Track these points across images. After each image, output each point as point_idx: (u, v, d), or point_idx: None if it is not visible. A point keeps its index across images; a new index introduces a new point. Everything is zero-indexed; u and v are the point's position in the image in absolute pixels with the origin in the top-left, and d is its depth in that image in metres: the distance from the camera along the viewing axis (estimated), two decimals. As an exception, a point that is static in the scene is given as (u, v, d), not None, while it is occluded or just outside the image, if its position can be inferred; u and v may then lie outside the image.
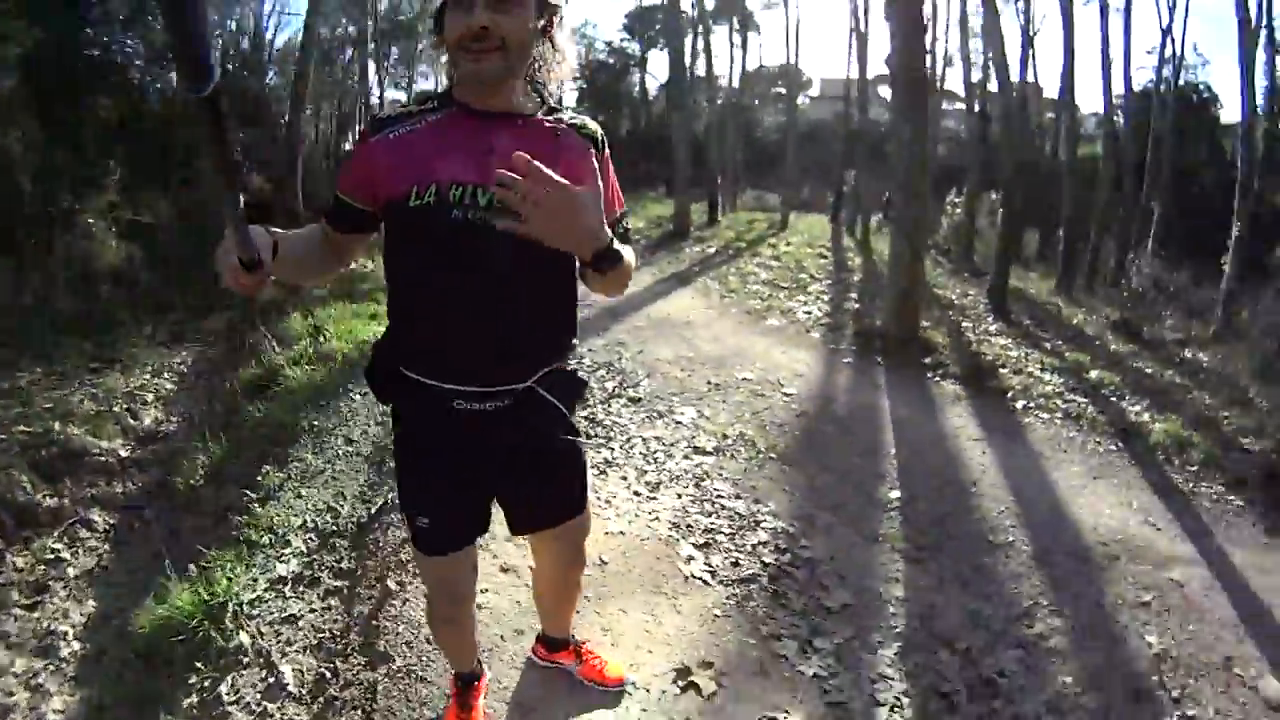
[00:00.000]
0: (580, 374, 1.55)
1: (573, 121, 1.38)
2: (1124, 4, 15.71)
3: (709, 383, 5.03)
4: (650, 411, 4.39)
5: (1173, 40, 17.87)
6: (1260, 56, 11.26)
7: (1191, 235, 15.49)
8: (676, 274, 9.74)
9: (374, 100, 22.08)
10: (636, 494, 3.35)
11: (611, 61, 32.75)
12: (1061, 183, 13.54)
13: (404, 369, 1.40)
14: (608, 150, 1.41)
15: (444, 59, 1.36)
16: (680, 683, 2.11)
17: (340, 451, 3.11)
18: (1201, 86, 23.07)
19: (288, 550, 2.52)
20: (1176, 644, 2.87)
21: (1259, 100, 11.33)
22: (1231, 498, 4.35)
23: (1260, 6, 11.31)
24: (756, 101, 33.54)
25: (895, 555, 3.21)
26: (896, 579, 3.04)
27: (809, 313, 7.74)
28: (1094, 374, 6.28)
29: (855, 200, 17.86)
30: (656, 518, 3.11)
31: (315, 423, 3.27)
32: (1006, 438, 4.78)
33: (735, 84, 25.39)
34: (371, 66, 22.73)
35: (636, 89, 33.14)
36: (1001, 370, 6.12)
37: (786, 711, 2.10)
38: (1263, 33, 11.24)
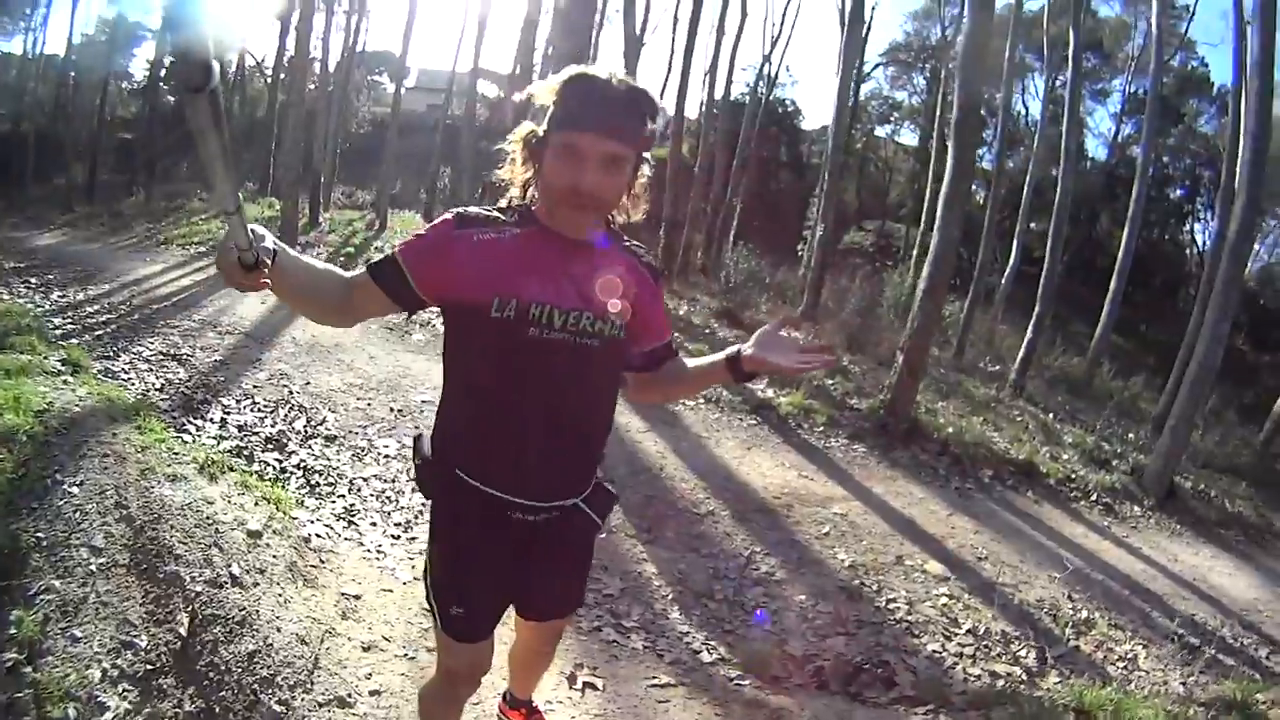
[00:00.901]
0: (610, 488, 1.63)
1: (636, 251, 1.52)
2: (736, 30, 18.29)
3: (391, 409, 5.06)
4: (353, 449, 4.32)
5: (770, 63, 21.84)
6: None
7: (768, 228, 19.21)
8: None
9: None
10: (395, 537, 3.41)
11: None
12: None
13: (460, 471, 1.44)
14: (661, 281, 1.57)
15: (522, 176, 1.43)
16: (575, 686, 2.43)
17: (93, 567, 2.48)
18: (788, 101, 28.68)
19: (108, 715, 2.02)
20: (860, 555, 4.02)
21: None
22: (856, 446, 5.94)
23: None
24: (364, 92, 31.73)
25: (632, 540, 3.83)
26: (645, 558, 3.67)
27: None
28: None
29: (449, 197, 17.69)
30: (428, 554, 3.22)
31: (40, 535, 2.62)
32: (667, 426, 5.61)
33: (332, 71, 23.24)
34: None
35: (233, 68, 29.01)
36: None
37: (656, 676, 2.58)
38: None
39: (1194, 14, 21.49)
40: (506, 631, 1.96)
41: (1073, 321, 16.39)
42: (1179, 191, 24.63)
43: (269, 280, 1.20)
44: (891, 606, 3.57)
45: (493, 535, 1.48)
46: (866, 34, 20.78)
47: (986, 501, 5.49)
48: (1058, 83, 19.00)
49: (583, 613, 3.03)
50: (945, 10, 23.50)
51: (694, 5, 14.57)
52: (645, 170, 1.43)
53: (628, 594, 3.29)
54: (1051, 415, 8.94)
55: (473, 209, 1.41)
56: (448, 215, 1.40)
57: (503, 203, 1.46)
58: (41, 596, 2.34)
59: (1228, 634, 4.22)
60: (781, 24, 31.42)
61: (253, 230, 1.15)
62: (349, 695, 2.13)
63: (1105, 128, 26.75)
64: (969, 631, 3.46)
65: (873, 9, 20.47)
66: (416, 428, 4.73)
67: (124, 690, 2.10)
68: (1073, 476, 6.46)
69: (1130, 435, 8.86)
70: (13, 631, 2.17)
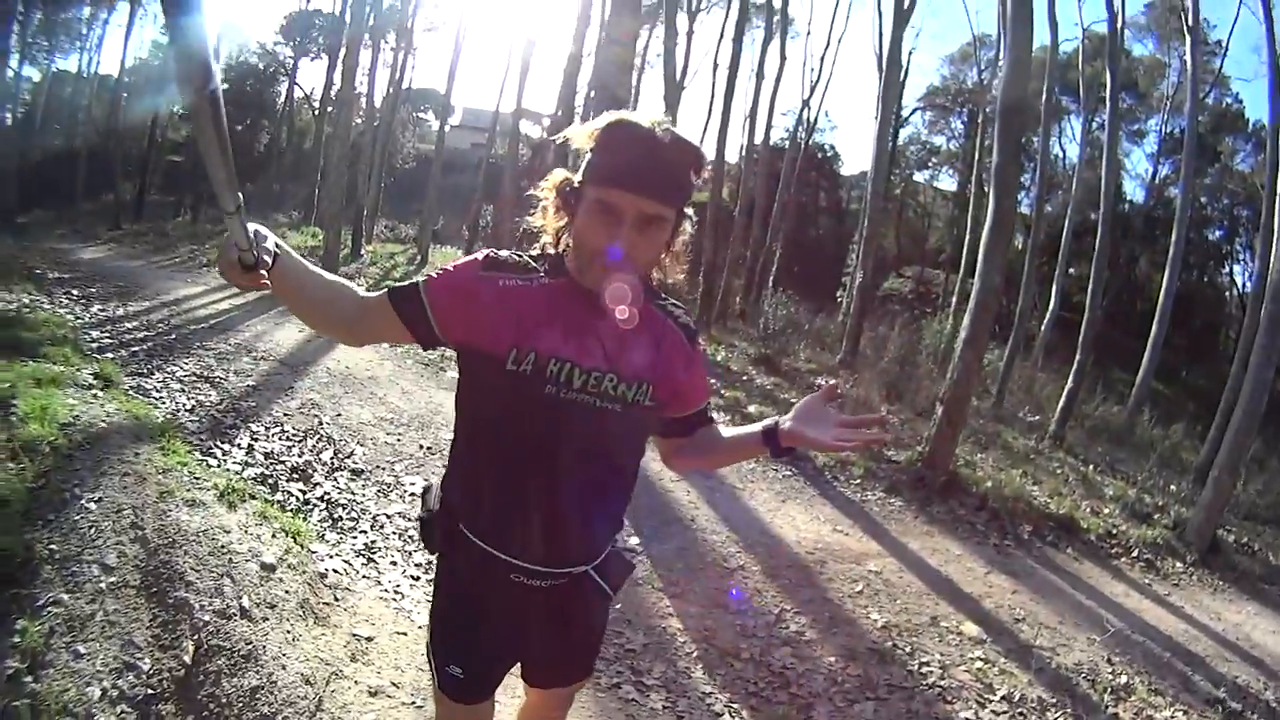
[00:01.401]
0: (628, 556, 1.54)
1: (672, 311, 1.42)
2: (775, 74, 18.44)
3: (421, 446, 5.01)
4: (379, 484, 4.28)
5: (809, 108, 22.00)
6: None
7: (808, 274, 19.12)
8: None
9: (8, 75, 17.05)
10: (415, 578, 3.34)
11: (261, 66, 29.27)
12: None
13: (464, 528, 1.37)
14: (699, 343, 1.47)
15: (555, 224, 1.34)
16: (587, 745, 2.30)
17: (103, 585, 2.43)
18: (827, 146, 28.97)
19: (100, 735, 1.96)
20: (893, 615, 3.85)
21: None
22: (892, 500, 5.76)
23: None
24: (410, 128, 32.55)
25: (659, 593, 3.71)
26: (670, 613, 3.54)
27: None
28: (751, 409, 7.42)
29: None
30: (449, 597, 3.13)
31: (53, 547, 2.60)
32: (701, 476, 5.46)
33: (378, 106, 23.84)
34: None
35: (282, 99, 30.02)
36: (677, 417, 6.87)
37: (672, 740, 2.42)
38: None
39: (1227, 49, 20.94)
40: (517, 681, 1.86)
41: (1112, 368, 15.99)
42: (1218, 232, 24.24)
43: (268, 281, 1.19)
44: (924, 670, 3.40)
45: (494, 597, 1.39)
46: (904, 79, 20.89)
47: (1025, 559, 5.26)
48: (1095, 124, 18.81)
49: (602, 668, 2.92)
50: (981, 54, 23.50)
51: (733, 50, 14.76)
52: (687, 227, 1.33)
53: (650, 650, 3.16)
54: (1092, 467, 8.63)
55: (504, 252, 1.33)
56: (477, 255, 1.33)
57: (535, 249, 1.38)
58: (49, 609, 2.31)
59: (1271, 698, 3.98)
60: (820, 69, 31.43)
61: (255, 231, 1.15)
62: (350, 742, 2.04)
63: (1143, 169, 26.39)
64: (1004, 698, 3.27)
65: (910, 54, 20.65)
66: (444, 467, 4.67)
67: (122, 712, 2.05)
68: (1114, 532, 6.19)
69: (1172, 487, 8.49)
70: (17, 640, 2.13)
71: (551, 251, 1.36)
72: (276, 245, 1.22)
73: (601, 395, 1.28)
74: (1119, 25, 13.23)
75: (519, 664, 1.56)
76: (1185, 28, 13.40)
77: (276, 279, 1.22)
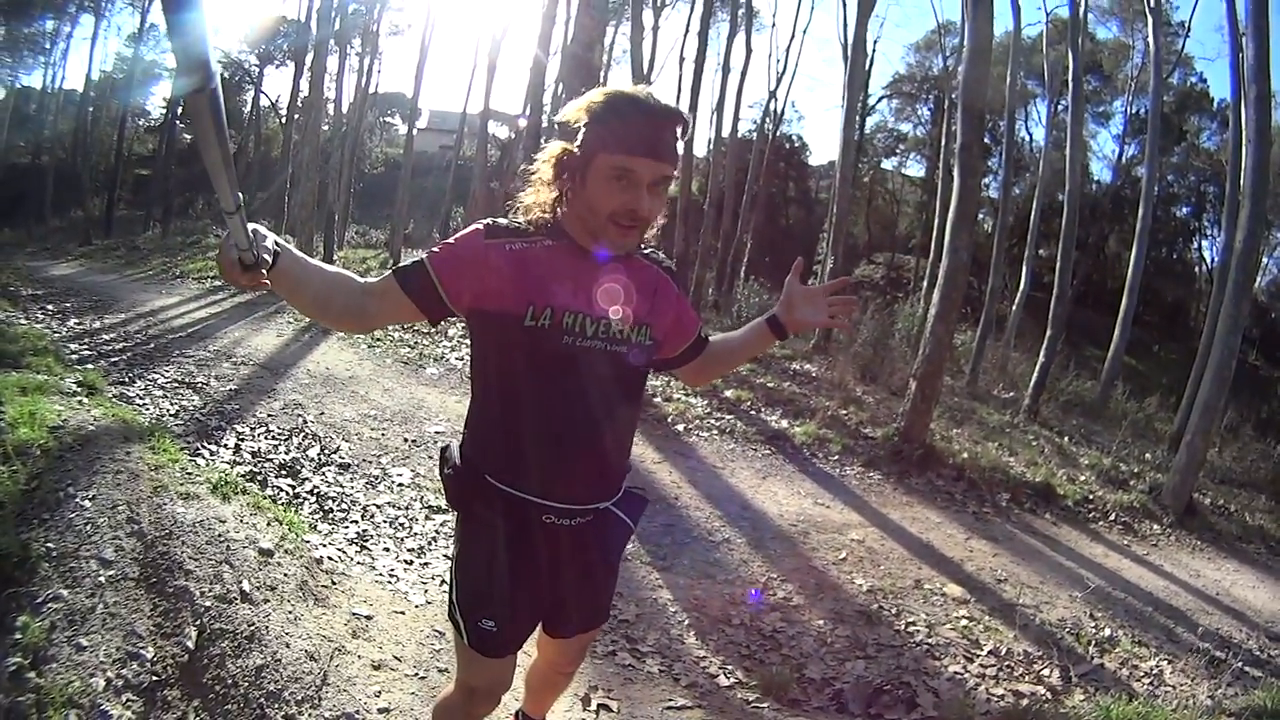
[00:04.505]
0: (638, 491, 1.62)
1: (654, 257, 1.56)
2: (741, 67, 18.71)
3: (405, 440, 5.06)
4: (366, 476, 4.32)
5: (776, 99, 22.12)
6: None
7: (779, 263, 19.29)
8: (314, 322, 8.49)
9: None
10: (408, 562, 3.38)
11: (227, 75, 28.85)
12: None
13: (491, 477, 1.43)
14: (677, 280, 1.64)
15: (549, 196, 1.39)
16: (590, 708, 2.39)
17: (102, 578, 2.44)
18: (795, 136, 29.10)
19: (109, 725, 1.98)
20: (878, 580, 3.96)
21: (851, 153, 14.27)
22: (871, 474, 5.90)
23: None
24: (377, 133, 32.29)
25: (649, 568, 3.79)
26: (661, 585, 3.63)
27: (461, 358, 7.75)
28: (729, 393, 7.50)
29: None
30: (443, 580, 3.18)
31: (50, 545, 2.61)
32: (682, 458, 5.61)
33: (345, 112, 23.49)
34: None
35: (248, 107, 29.72)
36: (654, 400, 6.91)
37: (673, 699, 2.52)
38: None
39: (1189, 30, 21.54)
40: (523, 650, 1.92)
41: (1085, 346, 16.30)
42: (1185, 209, 24.69)
43: (268, 281, 1.22)
44: (911, 629, 3.51)
45: (525, 543, 1.46)
46: (869, 67, 21.13)
47: (1004, 525, 5.41)
48: (1060, 107, 19.13)
49: (598, 637, 2.99)
50: (945, 41, 23.79)
51: (699, 44, 14.87)
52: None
53: (643, 619, 3.25)
54: (1067, 438, 8.83)
55: (501, 220, 1.42)
56: (477, 225, 1.40)
57: (521, 219, 1.43)
58: (49, 605, 2.31)
59: (1254, 646, 4.13)
60: (785, 60, 31.69)
61: (254, 230, 1.17)
62: (357, 712, 2.10)
63: (1109, 150, 26.95)
64: (991, 652, 3.38)
65: (874, 42, 20.85)
66: (431, 457, 4.73)
67: (128, 700, 2.07)
68: (1090, 497, 6.36)
69: (1147, 455, 8.70)
70: (18, 637, 2.13)
71: (546, 218, 1.42)
72: (276, 244, 1.25)
73: (611, 339, 1.40)
74: (1081, 9, 13.45)
75: (544, 621, 1.62)
76: (1147, 9, 13.58)
77: (277, 277, 1.25)
